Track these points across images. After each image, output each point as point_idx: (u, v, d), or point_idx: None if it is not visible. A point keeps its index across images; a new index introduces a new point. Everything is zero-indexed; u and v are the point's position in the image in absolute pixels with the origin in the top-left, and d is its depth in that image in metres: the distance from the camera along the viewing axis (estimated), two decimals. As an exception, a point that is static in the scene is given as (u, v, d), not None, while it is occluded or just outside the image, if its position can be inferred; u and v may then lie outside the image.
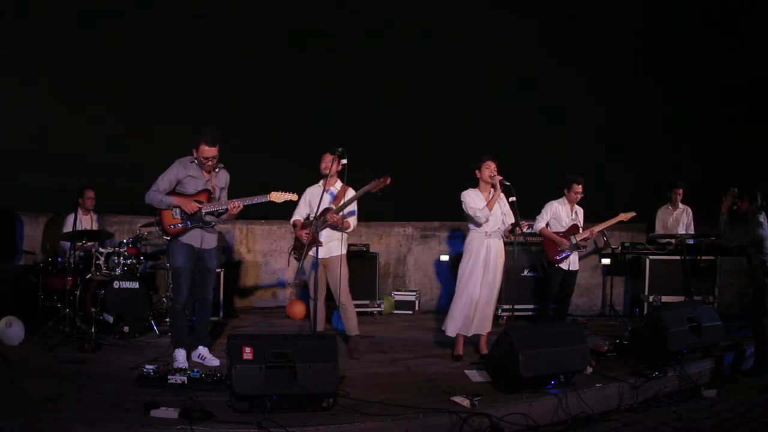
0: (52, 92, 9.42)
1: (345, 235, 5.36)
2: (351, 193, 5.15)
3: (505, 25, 10.62)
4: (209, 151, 4.69)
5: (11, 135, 8.74)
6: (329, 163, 5.21)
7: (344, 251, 5.37)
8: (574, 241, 6.12)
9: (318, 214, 5.04)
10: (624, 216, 6.17)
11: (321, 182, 5.36)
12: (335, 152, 5.00)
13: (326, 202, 5.16)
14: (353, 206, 5.20)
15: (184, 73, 10.04)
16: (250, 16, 10.43)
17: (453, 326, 5.24)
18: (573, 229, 6.16)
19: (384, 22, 10.71)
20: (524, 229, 5.28)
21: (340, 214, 5.09)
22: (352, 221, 5.26)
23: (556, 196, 6.32)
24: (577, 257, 6.24)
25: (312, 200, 5.31)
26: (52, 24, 9.45)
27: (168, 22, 9.91)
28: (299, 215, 5.41)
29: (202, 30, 10.03)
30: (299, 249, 5.31)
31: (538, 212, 6.31)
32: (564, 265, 6.14)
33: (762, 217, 5.24)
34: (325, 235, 5.21)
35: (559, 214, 6.23)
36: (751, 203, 5.27)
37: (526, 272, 7.12)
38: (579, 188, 6.13)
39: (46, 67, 9.40)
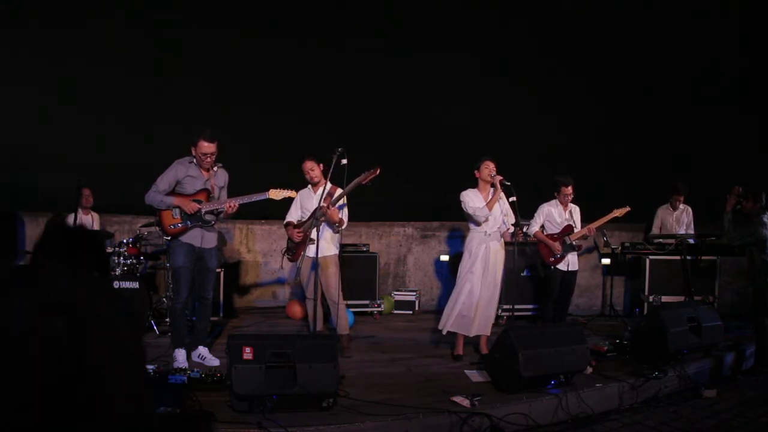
0: (53, 93, 9.43)
1: (338, 235, 5.38)
2: (341, 191, 5.14)
3: (505, 25, 10.63)
4: (208, 147, 4.71)
5: (12, 135, 8.74)
6: (310, 171, 5.24)
7: (336, 251, 5.38)
8: (568, 242, 6.11)
9: (313, 211, 5.05)
10: (618, 212, 6.14)
11: (310, 185, 5.37)
12: (334, 153, 5.05)
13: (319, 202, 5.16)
14: (343, 201, 5.19)
15: (184, 73, 10.05)
16: (249, 16, 10.44)
17: (449, 324, 5.25)
18: (567, 230, 6.15)
19: (385, 23, 10.72)
20: (523, 230, 5.28)
21: (335, 207, 5.10)
22: (345, 217, 5.28)
23: (550, 199, 6.32)
24: (576, 257, 6.24)
25: (303, 203, 5.34)
26: (53, 25, 9.46)
27: (167, 23, 9.91)
28: (291, 218, 5.41)
29: (201, 30, 10.03)
30: (292, 249, 5.34)
31: (532, 216, 6.31)
32: (563, 266, 6.13)
33: (766, 217, 5.23)
34: (323, 234, 5.20)
35: (552, 216, 6.22)
36: (755, 203, 5.27)
37: (524, 272, 7.12)
38: (568, 190, 6.10)
39: (47, 68, 9.41)
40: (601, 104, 10.46)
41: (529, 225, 6.24)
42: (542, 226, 6.26)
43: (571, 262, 6.16)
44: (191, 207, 4.70)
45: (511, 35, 10.51)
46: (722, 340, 5.46)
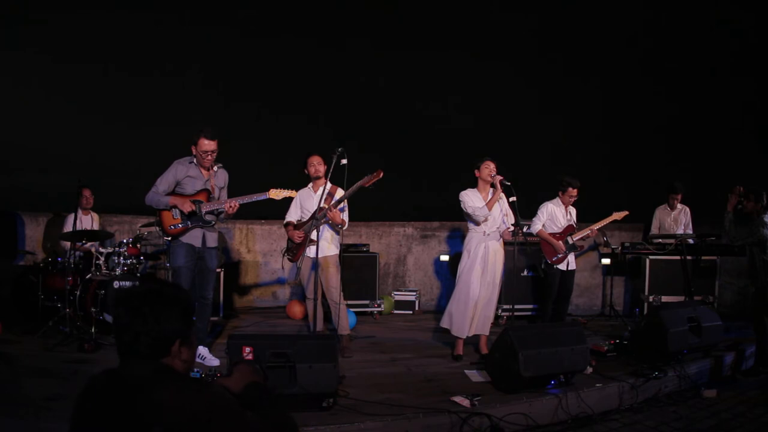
0: (53, 92, 9.42)
1: (338, 235, 5.38)
2: (342, 192, 5.14)
3: (505, 24, 10.62)
4: (208, 144, 4.71)
5: (12, 135, 8.74)
6: (318, 165, 5.24)
7: (337, 251, 5.38)
8: (570, 242, 6.12)
9: (314, 212, 5.04)
10: (617, 215, 6.18)
11: (310, 185, 5.37)
12: (333, 153, 5.05)
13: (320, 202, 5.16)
14: (343, 203, 5.20)
15: (185, 73, 10.05)
16: (248, 14, 10.43)
17: (449, 322, 5.27)
18: (569, 230, 6.17)
19: (386, 23, 10.71)
20: (523, 230, 5.28)
21: (337, 209, 5.10)
22: (346, 218, 5.27)
23: (552, 197, 6.32)
24: (573, 257, 6.25)
25: (303, 203, 5.33)
26: (53, 24, 9.45)
27: (168, 22, 9.91)
28: (291, 218, 5.41)
29: (202, 29, 10.03)
30: (292, 250, 5.33)
31: (534, 213, 6.32)
32: (562, 266, 6.14)
33: (767, 217, 5.23)
34: (324, 235, 5.20)
35: (555, 215, 6.23)
36: (756, 203, 5.27)
37: (525, 272, 7.13)
38: (574, 192, 6.12)
39: (47, 67, 9.40)
40: (602, 104, 10.46)
41: (531, 223, 6.25)
42: (544, 225, 6.26)
43: (570, 261, 6.18)
44: (187, 206, 4.71)
45: (511, 34, 10.51)
46: (722, 340, 5.46)
